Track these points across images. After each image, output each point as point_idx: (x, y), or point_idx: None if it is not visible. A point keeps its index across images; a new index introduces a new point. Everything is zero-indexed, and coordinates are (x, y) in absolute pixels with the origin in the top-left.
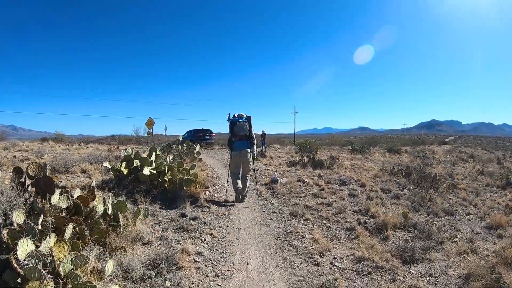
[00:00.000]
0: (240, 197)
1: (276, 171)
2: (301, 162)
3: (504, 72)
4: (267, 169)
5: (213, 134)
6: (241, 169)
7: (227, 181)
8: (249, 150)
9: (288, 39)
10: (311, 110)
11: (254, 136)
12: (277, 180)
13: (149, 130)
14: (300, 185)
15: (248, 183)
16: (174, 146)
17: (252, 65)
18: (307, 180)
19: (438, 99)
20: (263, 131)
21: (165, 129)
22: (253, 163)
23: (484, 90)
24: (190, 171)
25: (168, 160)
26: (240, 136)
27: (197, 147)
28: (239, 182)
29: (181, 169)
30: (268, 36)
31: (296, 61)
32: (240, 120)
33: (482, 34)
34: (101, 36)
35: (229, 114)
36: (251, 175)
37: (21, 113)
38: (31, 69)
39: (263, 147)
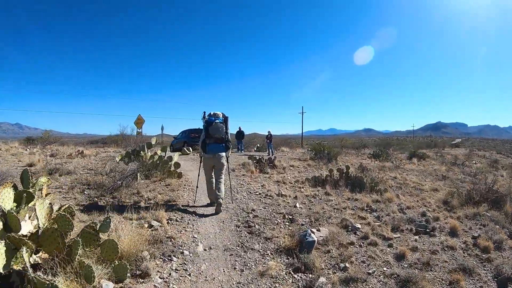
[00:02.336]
0: (218, 206)
1: (296, 200)
2: (329, 178)
3: (510, 74)
4: (283, 195)
5: None
6: (213, 174)
7: (197, 186)
8: (223, 154)
9: (289, 39)
10: (316, 111)
11: (230, 139)
12: (312, 241)
13: (138, 130)
14: (353, 245)
15: (223, 188)
16: (142, 153)
17: (254, 66)
18: (358, 226)
19: (444, 101)
20: (269, 131)
21: (162, 128)
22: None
23: (490, 92)
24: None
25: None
26: (215, 139)
27: (175, 156)
28: (215, 189)
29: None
30: (268, 36)
31: (300, 62)
32: (217, 121)
33: (488, 35)
34: (108, 36)
35: (204, 112)
36: (226, 181)
37: (24, 111)
38: (35, 68)
39: (270, 151)
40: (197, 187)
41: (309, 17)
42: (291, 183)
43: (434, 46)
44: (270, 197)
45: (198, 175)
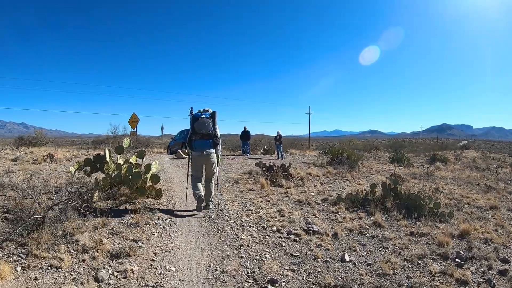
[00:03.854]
0: (202, 206)
1: (338, 240)
2: (372, 199)
3: None
4: (316, 233)
5: None
6: (203, 173)
7: (187, 188)
8: (212, 150)
9: (290, 41)
10: (321, 112)
11: (218, 135)
12: None
13: (132, 130)
14: None
15: (213, 190)
16: (109, 159)
17: (262, 67)
18: None
19: (449, 103)
20: (278, 132)
21: (162, 129)
22: (217, 165)
23: (496, 94)
24: None
25: None
26: (201, 135)
27: (154, 167)
28: (201, 188)
29: None
30: (271, 37)
31: (306, 64)
32: (203, 116)
33: (495, 36)
34: (118, 36)
35: (191, 108)
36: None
37: (30, 110)
38: (41, 67)
39: (279, 153)
40: (187, 188)
41: (310, 18)
42: (318, 203)
43: (439, 48)
44: (297, 238)
45: (187, 177)
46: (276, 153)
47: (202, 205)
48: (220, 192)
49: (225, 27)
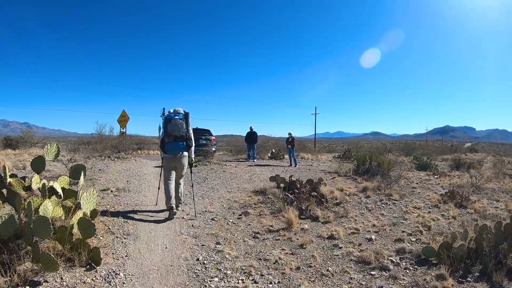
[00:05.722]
0: (174, 210)
1: None
2: (483, 251)
3: None
4: None
5: (213, 138)
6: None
7: (159, 188)
8: (185, 153)
9: (292, 42)
10: (323, 113)
11: (192, 137)
12: None
13: (121, 130)
14: None
15: (182, 189)
16: (15, 183)
17: (262, 68)
18: None
19: (452, 105)
20: (290, 134)
21: (159, 129)
22: (191, 169)
23: (498, 95)
24: None
25: None
26: (174, 137)
27: (90, 199)
28: (173, 190)
29: None
30: (271, 37)
31: (309, 65)
32: (176, 117)
33: (498, 38)
34: (121, 35)
35: (163, 109)
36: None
37: (33, 110)
38: (44, 67)
39: (292, 159)
40: (158, 188)
41: (309, 17)
42: (395, 261)
43: (442, 49)
44: None
45: (160, 180)
46: (289, 158)
47: (173, 213)
48: (220, 243)
49: (225, 27)
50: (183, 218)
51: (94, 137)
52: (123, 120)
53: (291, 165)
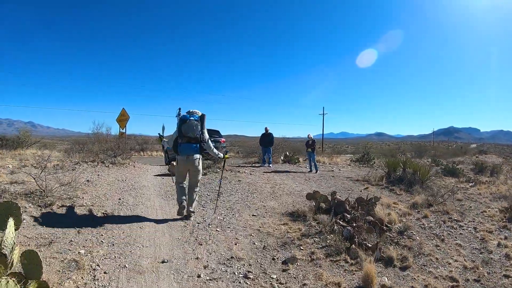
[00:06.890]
0: (185, 212)
1: None
2: None
3: None
4: None
5: (223, 140)
6: (187, 179)
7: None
8: (198, 156)
9: (293, 41)
10: (326, 114)
11: (207, 139)
12: None
13: (121, 130)
14: None
15: (196, 198)
16: None
17: (265, 67)
18: None
19: (456, 106)
20: (309, 136)
21: (163, 128)
22: (222, 171)
23: (503, 96)
24: None
25: None
26: (188, 138)
27: (7, 237)
28: (185, 194)
29: None
30: (271, 37)
31: (311, 65)
32: (191, 118)
33: (501, 38)
34: (129, 34)
35: (179, 109)
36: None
37: (37, 109)
38: (47, 66)
39: (313, 164)
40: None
41: (311, 19)
42: None
43: (447, 50)
44: None
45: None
46: (308, 163)
47: (182, 211)
48: None
49: (225, 27)
50: (199, 277)
51: (91, 138)
52: (123, 119)
53: (311, 170)
